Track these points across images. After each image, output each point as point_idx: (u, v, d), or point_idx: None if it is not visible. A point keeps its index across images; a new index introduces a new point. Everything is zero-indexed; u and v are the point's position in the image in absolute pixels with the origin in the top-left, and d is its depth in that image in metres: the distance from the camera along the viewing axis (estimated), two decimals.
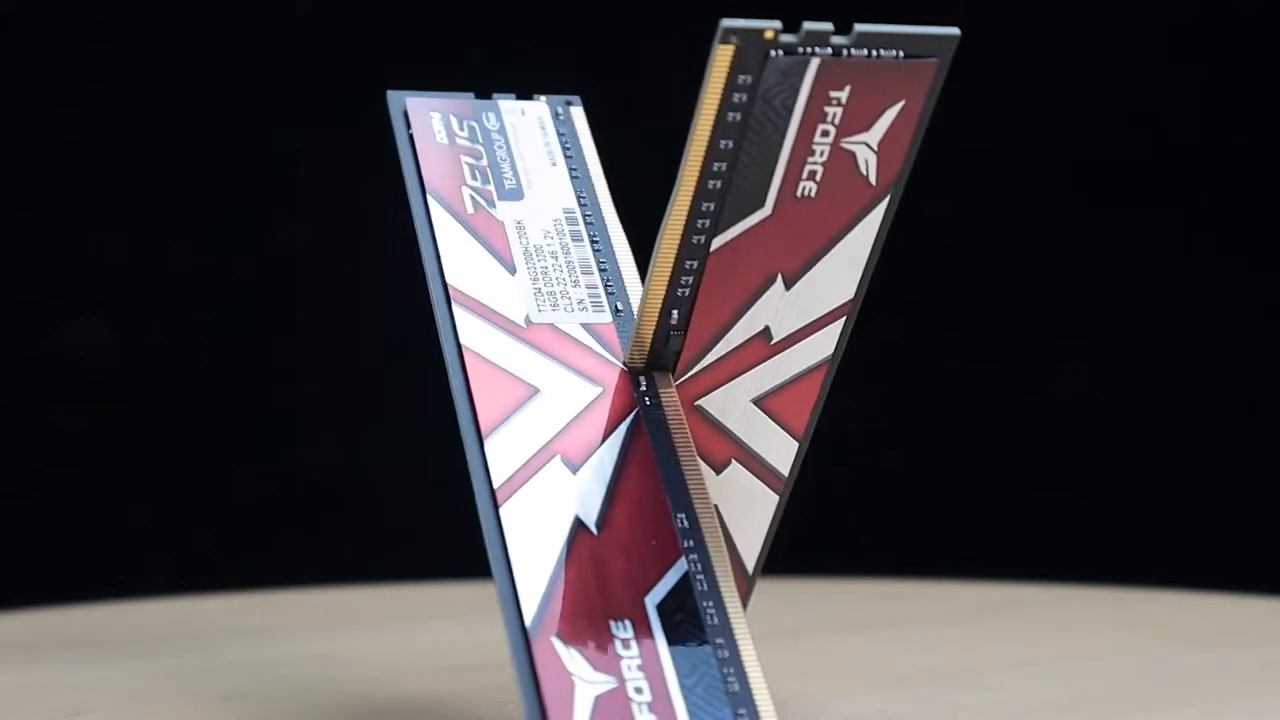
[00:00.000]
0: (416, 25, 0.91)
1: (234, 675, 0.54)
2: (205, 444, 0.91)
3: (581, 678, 0.38)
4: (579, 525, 0.41)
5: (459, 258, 0.45)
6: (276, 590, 0.70)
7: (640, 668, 0.38)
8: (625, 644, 0.39)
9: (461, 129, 0.48)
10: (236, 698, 0.50)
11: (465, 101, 0.49)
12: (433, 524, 0.91)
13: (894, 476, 0.92)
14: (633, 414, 0.43)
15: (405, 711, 0.49)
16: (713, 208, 0.41)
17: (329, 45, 0.91)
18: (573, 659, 0.38)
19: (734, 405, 0.45)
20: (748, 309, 0.43)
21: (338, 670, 0.54)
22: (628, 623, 0.39)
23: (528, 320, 0.45)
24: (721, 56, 0.38)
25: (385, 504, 0.93)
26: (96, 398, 0.90)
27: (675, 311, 0.43)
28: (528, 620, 0.39)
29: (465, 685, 0.51)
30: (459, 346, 0.44)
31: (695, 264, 0.42)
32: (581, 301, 0.45)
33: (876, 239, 0.43)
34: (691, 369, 0.44)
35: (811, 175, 0.41)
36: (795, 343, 0.44)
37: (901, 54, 0.39)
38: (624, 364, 0.44)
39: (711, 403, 0.45)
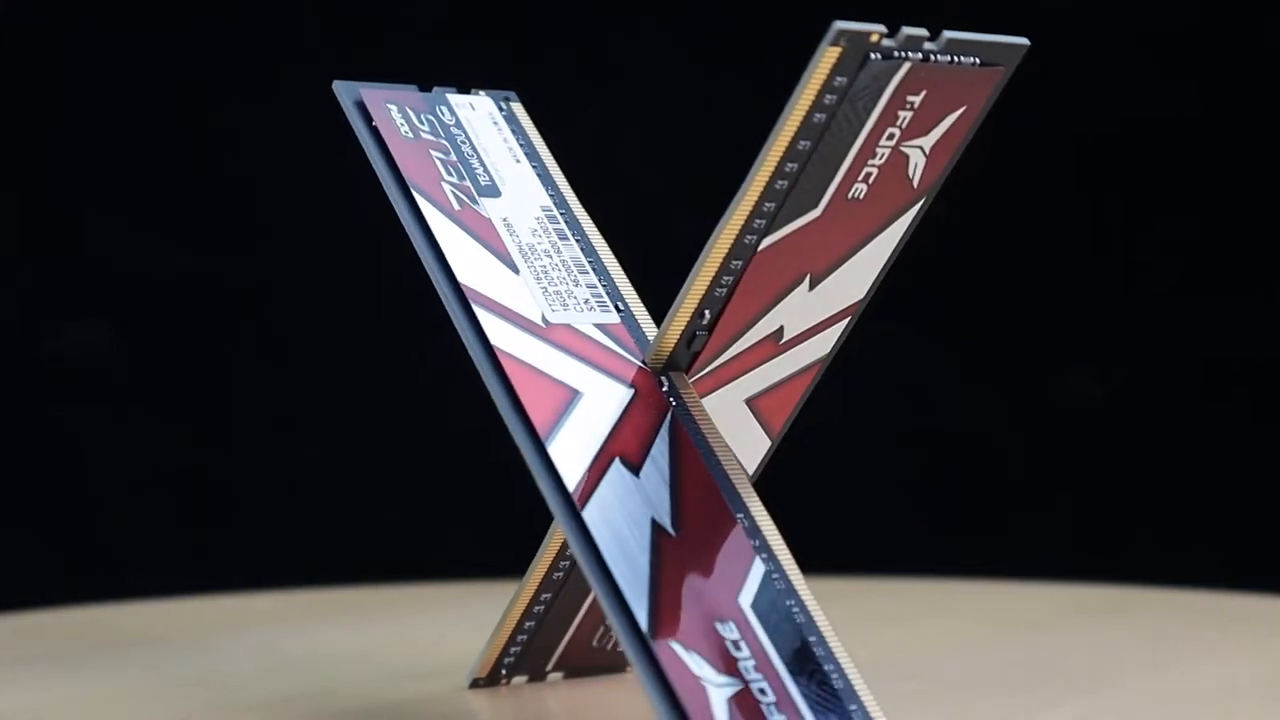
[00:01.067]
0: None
1: (176, 686, 0.51)
2: (204, 444, 0.91)
3: (710, 681, 0.38)
4: (657, 527, 0.40)
5: (463, 257, 0.44)
6: (270, 591, 0.68)
7: (757, 669, 0.38)
8: (736, 645, 0.38)
9: (422, 123, 0.47)
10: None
11: (415, 94, 0.47)
12: (432, 524, 0.93)
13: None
14: (669, 415, 0.43)
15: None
16: (773, 208, 0.41)
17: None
18: (696, 663, 0.38)
19: (729, 405, 0.45)
20: (771, 309, 0.44)
21: (300, 674, 0.52)
22: (731, 624, 0.39)
23: (545, 320, 0.43)
24: (827, 58, 0.39)
25: (383, 504, 0.93)
26: (97, 398, 0.90)
27: (708, 311, 0.43)
28: (643, 625, 0.38)
29: (423, 690, 0.50)
30: (490, 349, 0.42)
31: (740, 264, 0.42)
32: (587, 300, 0.45)
33: (900, 241, 0.44)
34: (705, 368, 0.44)
35: (866, 177, 0.42)
36: (800, 343, 0.45)
37: (978, 61, 0.40)
38: (643, 364, 0.44)
39: (709, 402, 0.45)
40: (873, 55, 0.39)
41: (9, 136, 0.90)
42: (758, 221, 0.41)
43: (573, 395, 0.42)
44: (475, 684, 0.50)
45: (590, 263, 0.46)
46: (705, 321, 0.43)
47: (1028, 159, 0.91)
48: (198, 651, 0.57)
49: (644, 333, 0.45)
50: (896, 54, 0.39)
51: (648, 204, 0.91)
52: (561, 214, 0.47)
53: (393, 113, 0.46)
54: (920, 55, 0.40)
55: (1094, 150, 0.93)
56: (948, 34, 0.40)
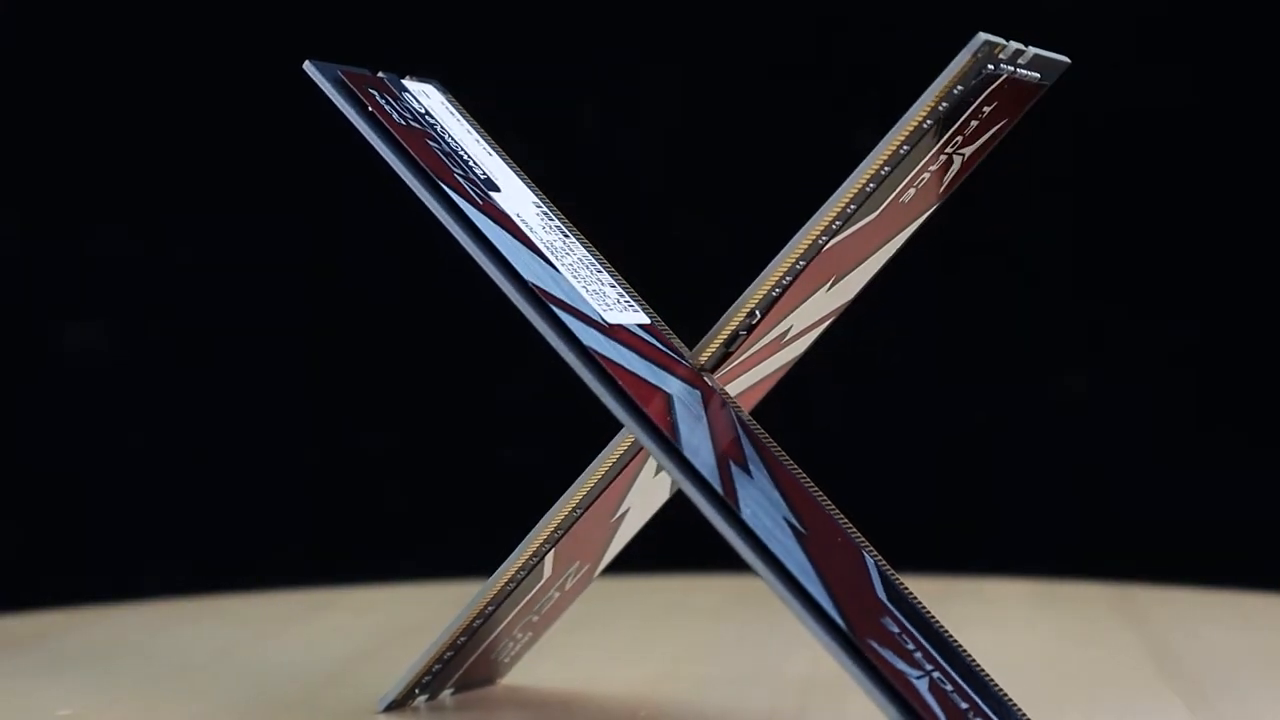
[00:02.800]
0: None
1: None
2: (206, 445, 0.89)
3: (910, 675, 0.38)
4: (793, 527, 0.40)
5: (514, 255, 0.41)
6: (259, 592, 0.65)
7: (927, 660, 0.39)
8: (902, 639, 0.39)
9: (404, 110, 0.43)
10: None
11: (380, 79, 0.44)
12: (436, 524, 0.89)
13: None
14: (733, 415, 0.42)
15: None
16: (854, 210, 0.42)
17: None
18: (893, 658, 0.38)
19: None
20: (796, 309, 0.44)
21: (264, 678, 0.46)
22: (888, 619, 0.39)
23: (604, 321, 0.42)
24: (964, 66, 0.40)
25: (382, 505, 0.90)
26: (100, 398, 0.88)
27: (758, 312, 0.43)
28: (843, 628, 0.38)
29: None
30: (585, 351, 0.40)
31: (804, 264, 0.42)
32: (618, 301, 0.43)
33: (901, 245, 0.45)
34: (725, 368, 0.44)
35: (919, 182, 0.43)
36: (791, 343, 0.45)
37: (1039, 76, 0.43)
38: (689, 365, 0.43)
39: None
40: (989, 66, 0.41)
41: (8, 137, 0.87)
42: (837, 223, 0.42)
43: (668, 398, 0.41)
44: (390, 707, 0.47)
45: (597, 261, 0.44)
46: (754, 322, 0.43)
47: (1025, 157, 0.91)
48: (93, 664, 0.54)
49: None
50: (1003, 66, 0.41)
51: (645, 204, 0.87)
52: (550, 210, 0.45)
53: (376, 98, 0.43)
54: (1012, 68, 0.42)
55: (1092, 147, 0.92)
56: (1032, 49, 0.42)
